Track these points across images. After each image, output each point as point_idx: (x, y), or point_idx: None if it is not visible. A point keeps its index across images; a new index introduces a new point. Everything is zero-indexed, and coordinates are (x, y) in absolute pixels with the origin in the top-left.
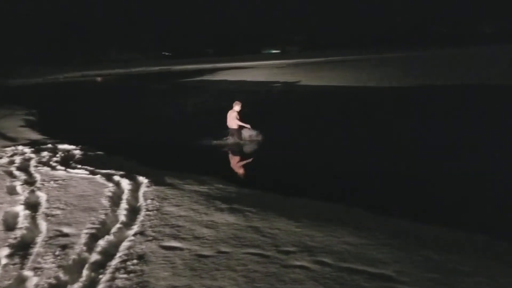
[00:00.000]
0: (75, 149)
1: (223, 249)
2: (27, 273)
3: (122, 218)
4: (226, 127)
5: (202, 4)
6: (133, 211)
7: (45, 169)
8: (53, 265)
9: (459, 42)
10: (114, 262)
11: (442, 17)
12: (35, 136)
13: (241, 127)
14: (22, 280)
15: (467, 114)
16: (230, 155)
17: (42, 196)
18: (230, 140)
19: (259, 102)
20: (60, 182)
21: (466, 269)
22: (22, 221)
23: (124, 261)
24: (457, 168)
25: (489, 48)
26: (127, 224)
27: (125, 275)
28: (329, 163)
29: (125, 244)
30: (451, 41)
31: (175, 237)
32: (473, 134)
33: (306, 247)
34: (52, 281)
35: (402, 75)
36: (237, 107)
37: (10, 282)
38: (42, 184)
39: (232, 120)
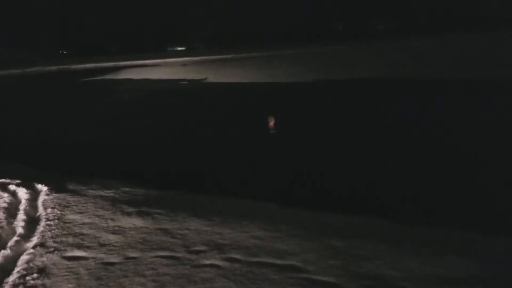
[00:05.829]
0: None
1: (131, 254)
2: None
3: (20, 230)
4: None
5: None
6: (31, 222)
7: None
8: None
9: (354, 38)
10: (12, 278)
11: (338, 14)
12: None
13: None
14: None
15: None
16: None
17: None
18: None
19: (165, 102)
20: None
21: (367, 254)
22: None
23: (23, 276)
24: (352, 156)
25: (380, 43)
26: (26, 236)
27: None
28: (234, 157)
29: (23, 257)
30: (346, 37)
31: (79, 246)
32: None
33: (217, 245)
34: None
35: (302, 70)
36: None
37: None
38: None
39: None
